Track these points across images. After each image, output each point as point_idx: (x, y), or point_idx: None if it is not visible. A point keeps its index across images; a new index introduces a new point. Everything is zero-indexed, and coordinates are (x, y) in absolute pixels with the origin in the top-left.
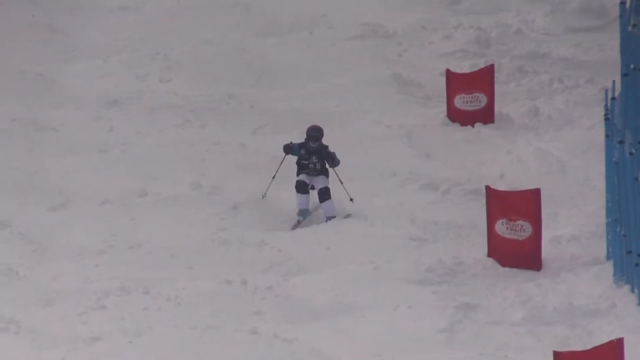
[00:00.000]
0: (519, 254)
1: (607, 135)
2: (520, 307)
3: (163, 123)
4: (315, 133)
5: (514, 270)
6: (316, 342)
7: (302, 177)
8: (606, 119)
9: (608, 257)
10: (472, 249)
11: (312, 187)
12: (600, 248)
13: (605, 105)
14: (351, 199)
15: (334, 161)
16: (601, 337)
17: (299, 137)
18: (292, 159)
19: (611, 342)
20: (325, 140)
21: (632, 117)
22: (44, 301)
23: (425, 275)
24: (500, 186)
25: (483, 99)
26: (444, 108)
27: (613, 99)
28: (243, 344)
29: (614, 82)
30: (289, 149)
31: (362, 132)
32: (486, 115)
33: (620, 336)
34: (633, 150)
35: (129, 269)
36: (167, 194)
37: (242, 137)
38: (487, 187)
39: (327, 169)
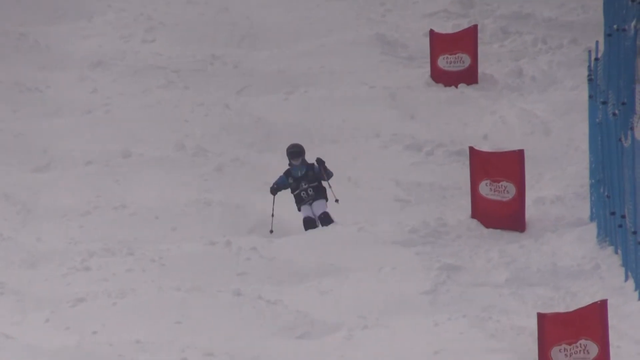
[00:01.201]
0: (503, 215)
1: (590, 96)
2: (504, 269)
3: (147, 84)
4: (294, 149)
5: (498, 231)
6: (300, 304)
7: (305, 211)
8: (589, 80)
9: (592, 218)
10: (455, 211)
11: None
12: (584, 209)
13: (589, 66)
14: (336, 200)
15: (327, 174)
16: (585, 298)
17: (283, 99)
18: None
19: (595, 303)
20: (311, 102)
21: (616, 78)
22: (28, 262)
23: (409, 236)
24: (484, 147)
25: (467, 60)
26: (428, 69)
27: (596, 59)
28: (227, 306)
29: (597, 42)
30: (275, 189)
31: (346, 93)
32: (470, 76)
33: (604, 297)
34: (616, 111)
35: (113, 230)
36: (151, 155)
37: (226, 98)
38: (471, 148)
39: (322, 188)
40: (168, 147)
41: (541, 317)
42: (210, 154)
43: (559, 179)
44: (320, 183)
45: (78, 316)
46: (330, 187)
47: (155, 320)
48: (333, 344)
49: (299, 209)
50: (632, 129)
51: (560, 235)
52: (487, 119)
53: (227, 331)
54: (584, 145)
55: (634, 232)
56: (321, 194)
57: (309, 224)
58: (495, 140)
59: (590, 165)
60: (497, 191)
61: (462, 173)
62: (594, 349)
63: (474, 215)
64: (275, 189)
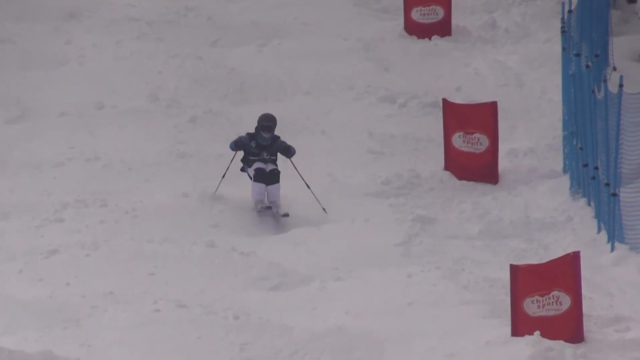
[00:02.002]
0: (476, 167)
1: (563, 49)
2: (477, 221)
3: (120, 36)
4: (268, 122)
5: (471, 183)
6: (274, 255)
7: (259, 164)
8: (563, 32)
9: (564, 170)
10: (429, 162)
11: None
12: (557, 161)
13: (562, 18)
14: (324, 209)
15: (289, 152)
16: (558, 250)
17: (256, 51)
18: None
19: (567, 255)
20: (284, 53)
21: (589, 30)
22: (1, 214)
23: (382, 188)
24: (457, 99)
25: (440, 12)
26: (401, 21)
27: (570, 12)
28: (200, 257)
29: None
30: (239, 144)
31: (320, 45)
32: (443, 28)
33: (576, 249)
34: (589, 63)
35: (87, 182)
36: (125, 107)
37: (200, 50)
38: (444, 100)
39: (277, 169)
40: (141, 99)
41: (514, 269)
42: (184, 105)
43: (532, 131)
44: (276, 157)
45: (51, 268)
46: (316, 197)
47: (129, 271)
48: (306, 295)
49: (250, 166)
50: (605, 81)
51: (533, 187)
52: (461, 71)
53: (200, 283)
54: (557, 97)
55: (607, 184)
56: (276, 176)
57: (260, 175)
58: (469, 92)
59: (563, 118)
60: (470, 143)
61: (435, 125)
62: (566, 301)
63: (447, 167)
64: (239, 143)
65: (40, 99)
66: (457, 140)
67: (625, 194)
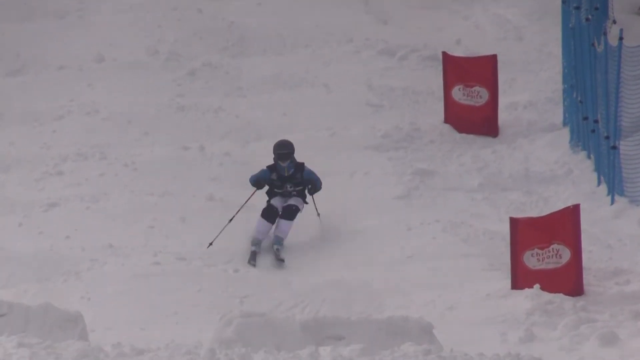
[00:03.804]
0: (476, 120)
1: (563, 2)
2: (477, 174)
3: None
4: (284, 150)
5: (471, 136)
6: None
7: (275, 200)
8: None
9: (564, 123)
10: (428, 115)
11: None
12: (557, 114)
13: None
14: (318, 214)
15: (314, 188)
16: (557, 203)
17: (256, 3)
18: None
19: (567, 208)
20: (284, 5)
21: None
22: (1, 167)
23: (382, 141)
24: (457, 52)
25: None
26: None
27: None
28: (200, 210)
29: None
30: (257, 181)
31: None
32: None
33: (576, 202)
34: (589, 16)
35: (86, 134)
36: (124, 60)
37: (199, 2)
38: (444, 53)
39: (304, 192)
40: (141, 52)
41: (514, 222)
42: (183, 58)
43: (532, 84)
44: (304, 186)
45: (51, 220)
46: (314, 201)
47: (128, 224)
48: (307, 247)
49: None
50: (605, 34)
51: (532, 140)
52: (460, 24)
53: (199, 236)
54: (557, 50)
55: (607, 137)
56: (292, 213)
57: (269, 212)
58: (469, 45)
59: (563, 71)
60: (470, 96)
61: (435, 78)
62: (566, 254)
63: (447, 120)
64: (256, 181)
65: (39, 52)
66: (457, 93)
67: (625, 146)
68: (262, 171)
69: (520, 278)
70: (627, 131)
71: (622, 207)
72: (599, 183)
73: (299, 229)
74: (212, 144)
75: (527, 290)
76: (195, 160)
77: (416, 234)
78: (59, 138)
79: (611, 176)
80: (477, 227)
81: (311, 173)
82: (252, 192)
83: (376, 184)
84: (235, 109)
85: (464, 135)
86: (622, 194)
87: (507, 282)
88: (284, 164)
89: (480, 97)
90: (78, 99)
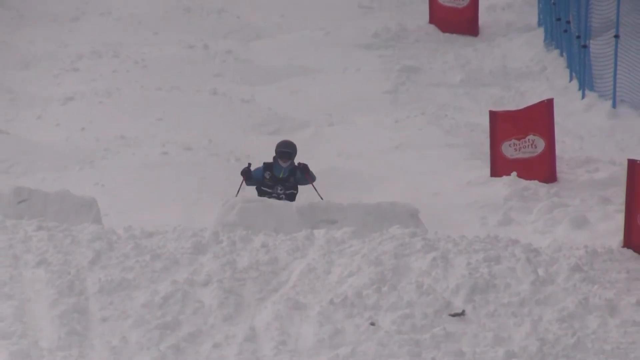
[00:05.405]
0: (458, 21)
1: None
2: (459, 70)
3: None
4: (286, 149)
5: (454, 36)
6: (272, 102)
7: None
8: None
9: (539, 24)
10: (415, 17)
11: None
12: (532, 15)
13: None
14: (321, 198)
15: (310, 179)
16: (533, 97)
17: None
18: None
19: (542, 102)
20: None
21: None
22: (22, 64)
23: (372, 40)
24: None
25: None
26: None
27: None
28: (204, 103)
29: None
30: (248, 175)
31: None
32: None
33: (550, 97)
34: None
35: (100, 34)
36: None
37: None
38: None
39: (294, 197)
40: None
41: (492, 115)
42: None
43: None
44: (296, 190)
45: (67, 113)
46: (315, 188)
47: (139, 117)
48: (302, 139)
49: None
50: None
51: (510, 39)
52: None
53: (204, 127)
54: None
55: (578, 37)
56: (291, 199)
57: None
58: None
59: None
60: None
61: None
62: (541, 144)
63: (432, 21)
64: (247, 173)
65: None
66: None
67: (595, 46)
68: (257, 170)
69: (499, 166)
70: (596, 31)
71: (592, 101)
72: (571, 79)
73: (296, 112)
74: (216, 42)
75: (505, 178)
76: (200, 58)
77: (403, 126)
78: (74, 37)
79: (582, 73)
80: (459, 120)
81: (304, 167)
82: (240, 183)
83: (366, 79)
84: (237, 10)
85: (447, 34)
86: (592, 89)
87: (487, 170)
88: (284, 165)
89: None
90: (92, 1)
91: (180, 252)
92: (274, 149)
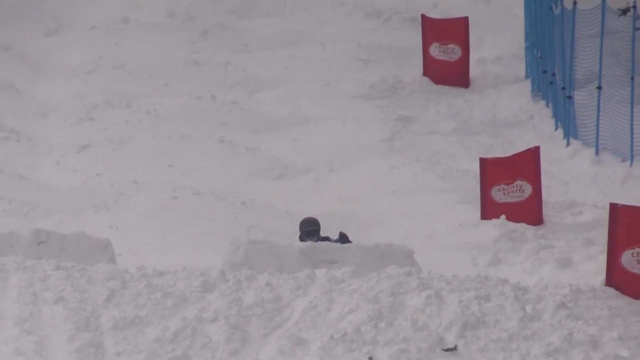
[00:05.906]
0: (450, 74)
1: None
2: (451, 120)
3: None
4: (311, 227)
5: (446, 87)
6: (275, 149)
7: None
8: None
9: (527, 76)
10: (410, 69)
11: None
12: (520, 68)
13: None
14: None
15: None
16: (520, 145)
17: None
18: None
19: (529, 149)
20: None
21: None
22: (40, 113)
23: (370, 91)
24: (434, 14)
25: None
26: None
27: None
28: (212, 151)
29: None
30: None
31: None
32: None
33: (537, 144)
34: None
35: (114, 85)
36: (147, 21)
37: None
38: (423, 16)
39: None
40: (161, 14)
41: (483, 161)
42: (197, 20)
43: (499, 42)
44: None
45: (83, 160)
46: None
47: (150, 163)
48: (304, 184)
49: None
50: None
51: (499, 90)
52: None
53: (212, 173)
54: (520, 12)
55: (563, 88)
56: None
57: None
58: (444, 8)
59: (525, 30)
60: (446, 52)
61: (415, 37)
62: (528, 189)
63: (426, 73)
64: None
65: (73, 13)
66: (434, 50)
67: (579, 96)
68: None
69: (489, 210)
70: (580, 83)
71: (577, 148)
72: (556, 128)
73: (298, 159)
74: (222, 93)
75: (494, 221)
76: (207, 108)
77: (399, 172)
78: (90, 89)
79: (567, 122)
80: (452, 166)
81: (342, 237)
82: None
83: (364, 128)
84: (242, 63)
85: (440, 86)
86: (576, 137)
87: (478, 214)
88: (312, 241)
89: (454, 53)
90: (106, 55)
91: (189, 290)
92: (298, 227)
